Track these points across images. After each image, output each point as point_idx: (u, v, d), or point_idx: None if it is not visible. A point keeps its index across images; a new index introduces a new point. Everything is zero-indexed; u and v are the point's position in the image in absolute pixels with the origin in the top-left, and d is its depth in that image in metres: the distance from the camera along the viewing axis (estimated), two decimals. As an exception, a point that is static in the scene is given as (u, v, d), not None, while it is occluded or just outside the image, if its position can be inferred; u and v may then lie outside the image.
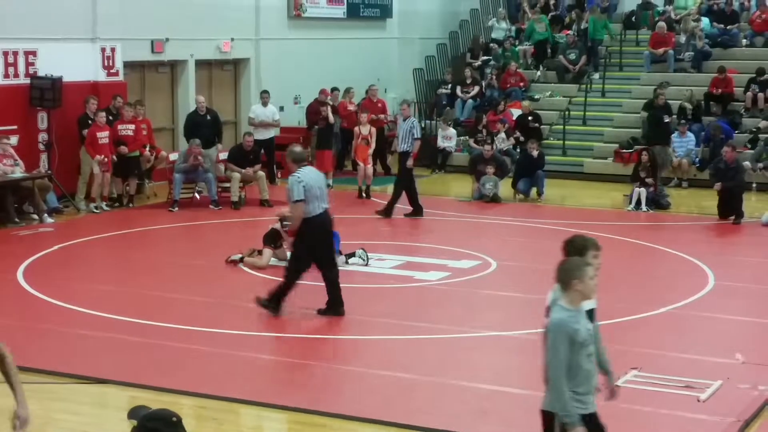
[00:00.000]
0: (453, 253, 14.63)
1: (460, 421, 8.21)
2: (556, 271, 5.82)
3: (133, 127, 18.32)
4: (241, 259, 13.67)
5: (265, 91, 21.42)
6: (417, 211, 17.59)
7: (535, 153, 19.98)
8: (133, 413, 3.99)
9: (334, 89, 22.92)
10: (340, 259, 13.58)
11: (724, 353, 10.05)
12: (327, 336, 10.62)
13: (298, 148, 11.64)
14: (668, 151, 21.13)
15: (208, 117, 19.59)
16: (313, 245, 11.06)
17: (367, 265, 13.67)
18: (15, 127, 17.29)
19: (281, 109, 22.62)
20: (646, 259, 14.82)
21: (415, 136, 17.57)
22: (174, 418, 3.93)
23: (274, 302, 11.17)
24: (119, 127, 18.18)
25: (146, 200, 18.86)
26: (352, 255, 13.70)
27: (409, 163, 17.46)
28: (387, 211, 17.52)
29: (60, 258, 14.33)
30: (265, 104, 21.18)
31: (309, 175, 11.04)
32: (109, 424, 8.26)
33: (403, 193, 17.53)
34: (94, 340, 10.45)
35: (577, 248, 6.14)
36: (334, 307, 11.20)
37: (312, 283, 12.81)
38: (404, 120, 17.90)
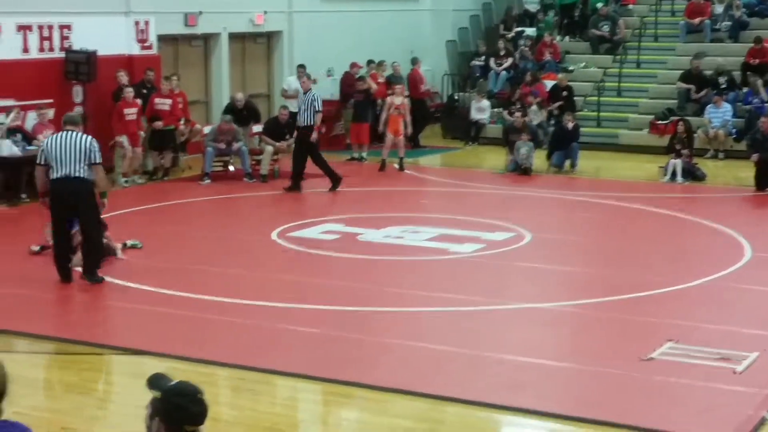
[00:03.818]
0: (487, 225, 14.59)
1: (495, 393, 8.22)
2: None
3: (169, 101, 18.37)
4: (42, 249, 12.43)
5: (301, 65, 21.33)
6: (336, 181, 17.28)
7: (570, 125, 19.86)
8: (153, 383, 3.95)
9: (370, 62, 22.85)
10: None
11: (760, 325, 9.99)
12: (362, 308, 10.64)
13: (72, 112, 12.20)
14: None
15: (245, 112, 19.36)
16: (53, 207, 11.18)
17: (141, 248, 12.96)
18: (51, 100, 17.39)
19: (314, 82, 22.55)
20: (682, 231, 14.73)
21: (317, 109, 17.25)
22: (199, 395, 3.91)
23: (91, 275, 11.27)
24: (156, 100, 18.23)
25: (181, 173, 18.93)
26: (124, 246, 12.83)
27: (314, 137, 17.21)
28: (296, 186, 17.20)
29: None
30: (300, 77, 21.11)
31: (54, 141, 11.12)
32: (145, 394, 8.32)
33: (314, 165, 17.26)
34: (131, 311, 10.54)
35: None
36: (89, 273, 11.29)
37: (347, 255, 12.84)
38: (304, 93, 17.52)
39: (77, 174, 11.00)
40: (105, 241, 12.26)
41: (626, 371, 8.71)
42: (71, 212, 11.18)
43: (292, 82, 21.12)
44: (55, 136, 11.36)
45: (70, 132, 11.16)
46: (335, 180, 17.30)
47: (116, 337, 9.69)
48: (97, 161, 11.15)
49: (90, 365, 9.22)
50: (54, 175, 11.05)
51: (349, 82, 21.88)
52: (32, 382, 8.76)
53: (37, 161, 11.33)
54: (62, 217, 11.22)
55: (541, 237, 13.94)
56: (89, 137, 11.33)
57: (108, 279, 11.54)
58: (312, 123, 17.21)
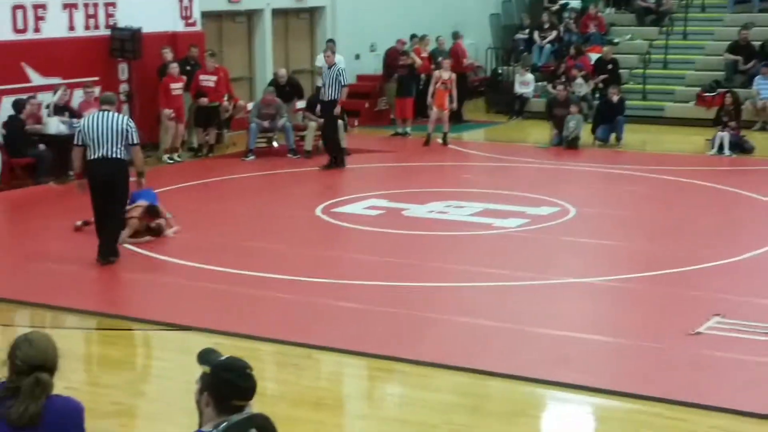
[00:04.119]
0: (532, 199, 14.53)
1: (539, 368, 8.21)
2: None
3: (214, 78, 18.42)
4: (84, 224, 12.51)
5: (330, 40, 21.18)
6: (341, 160, 17.16)
7: (615, 98, 19.68)
8: (203, 358, 4.01)
9: (413, 36, 22.75)
10: None
11: (809, 300, 9.88)
12: (406, 284, 10.66)
13: (107, 93, 12.43)
14: None
15: (288, 88, 19.31)
16: (91, 187, 11.05)
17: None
18: (97, 78, 17.52)
19: (357, 57, 22.52)
20: (729, 205, 14.57)
21: (343, 84, 17.19)
22: (248, 370, 3.95)
23: (111, 254, 11.16)
24: (201, 77, 18.29)
25: (225, 150, 19.01)
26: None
27: (337, 110, 17.12)
28: (338, 162, 17.12)
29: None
30: (325, 52, 20.99)
31: (91, 122, 11.00)
32: (192, 369, 8.41)
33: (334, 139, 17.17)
34: (176, 287, 10.63)
35: None
36: (102, 254, 11.12)
37: (392, 231, 12.86)
38: (329, 68, 17.43)
39: (114, 155, 10.95)
40: (158, 221, 12.39)
41: (672, 345, 8.66)
42: (106, 192, 11.10)
43: (322, 59, 21.09)
44: (92, 116, 11.27)
45: (107, 112, 11.12)
46: (342, 158, 17.21)
47: (162, 312, 9.77)
48: (135, 142, 11.12)
49: (136, 341, 9.33)
50: (91, 155, 10.98)
51: (393, 56, 21.81)
52: (81, 357, 8.91)
53: (75, 142, 11.28)
54: (101, 197, 11.15)
55: (586, 211, 13.86)
56: (126, 117, 11.36)
57: (153, 255, 11.67)
58: (336, 97, 17.23)
